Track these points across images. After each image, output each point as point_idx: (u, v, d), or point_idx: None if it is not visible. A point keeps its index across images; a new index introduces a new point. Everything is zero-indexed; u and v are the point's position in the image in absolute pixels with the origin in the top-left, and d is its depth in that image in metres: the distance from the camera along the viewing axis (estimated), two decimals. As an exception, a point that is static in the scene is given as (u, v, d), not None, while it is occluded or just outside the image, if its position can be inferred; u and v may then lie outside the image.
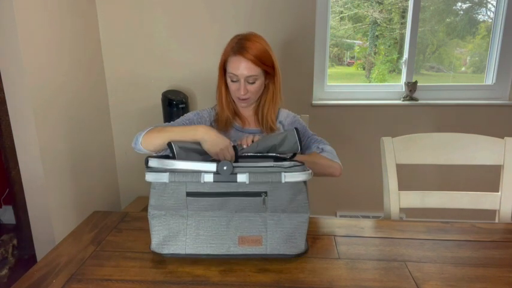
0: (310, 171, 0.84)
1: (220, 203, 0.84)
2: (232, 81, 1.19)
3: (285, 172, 0.80)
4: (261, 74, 1.18)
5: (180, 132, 0.99)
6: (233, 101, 1.26)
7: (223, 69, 1.22)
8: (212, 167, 0.80)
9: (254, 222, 0.85)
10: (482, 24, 2.32)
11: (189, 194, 0.83)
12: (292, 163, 0.82)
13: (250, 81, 1.16)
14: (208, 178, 0.80)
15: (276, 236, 0.85)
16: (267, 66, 1.17)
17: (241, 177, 0.80)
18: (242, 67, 1.14)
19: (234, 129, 1.26)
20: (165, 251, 0.87)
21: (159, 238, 0.87)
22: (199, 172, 0.80)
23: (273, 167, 0.81)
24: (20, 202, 1.83)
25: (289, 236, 0.86)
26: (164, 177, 0.80)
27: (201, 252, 0.86)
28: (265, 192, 0.82)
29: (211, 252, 0.86)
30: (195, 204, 0.84)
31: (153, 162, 0.82)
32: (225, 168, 0.79)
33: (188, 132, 0.98)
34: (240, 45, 1.15)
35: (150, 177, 0.82)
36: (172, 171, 0.81)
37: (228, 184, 0.82)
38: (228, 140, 0.97)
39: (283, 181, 0.80)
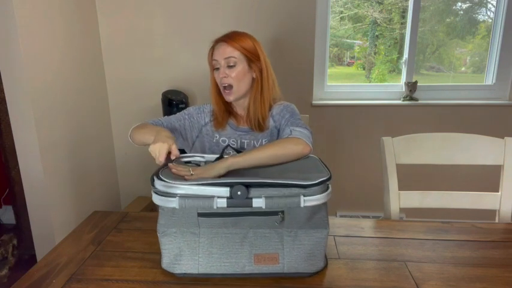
0: (330, 189, 0.79)
1: (234, 222, 0.80)
2: (215, 69, 1.21)
3: (304, 196, 0.75)
4: (241, 58, 1.18)
5: (148, 132, 1.06)
6: (224, 100, 1.26)
7: (212, 64, 1.24)
8: (225, 191, 0.75)
9: (270, 239, 0.81)
10: (482, 24, 2.32)
11: (200, 215, 0.79)
12: (310, 182, 0.76)
13: (230, 64, 1.17)
14: (221, 204, 0.75)
15: (294, 253, 0.81)
16: (248, 51, 1.19)
17: (257, 202, 0.74)
18: (222, 51, 1.18)
19: (229, 127, 1.27)
20: (177, 270, 0.83)
21: (170, 257, 0.83)
22: (211, 197, 0.75)
23: (291, 185, 0.76)
24: (20, 202, 1.83)
25: (308, 253, 0.81)
26: (173, 203, 0.75)
27: (215, 272, 0.81)
28: (282, 211, 0.78)
29: (226, 272, 0.81)
30: (207, 222, 0.80)
31: (159, 185, 0.78)
32: (239, 193, 0.74)
33: (150, 134, 1.03)
34: (224, 34, 1.22)
35: (157, 200, 0.77)
36: (183, 197, 0.75)
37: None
38: (165, 145, 0.91)
39: (302, 205, 0.75)
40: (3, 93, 1.66)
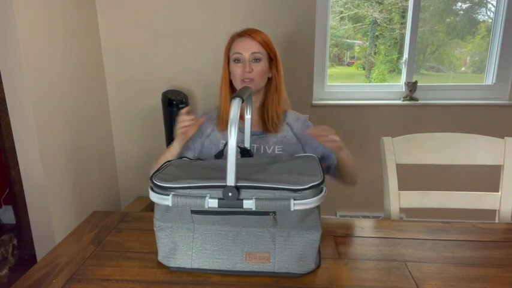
0: (324, 193, 0.78)
1: (228, 219, 0.81)
2: (236, 62, 1.20)
3: (294, 200, 0.74)
4: (265, 56, 1.20)
5: (166, 151, 1.23)
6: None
7: (227, 57, 1.23)
8: (217, 192, 0.76)
9: (262, 238, 0.82)
10: (482, 24, 2.32)
11: (194, 212, 0.80)
12: (301, 186, 0.76)
13: (255, 58, 1.18)
14: (213, 204, 0.76)
15: (285, 253, 0.82)
16: (270, 50, 1.22)
17: (248, 204, 0.75)
18: (247, 45, 1.18)
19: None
20: (172, 264, 0.85)
21: (165, 251, 0.85)
22: (203, 196, 0.77)
23: (282, 189, 0.76)
24: (20, 202, 1.83)
25: (299, 254, 0.82)
26: (167, 201, 0.78)
27: (207, 267, 0.83)
28: (274, 212, 0.78)
29: (217, 268, 0.83)
30: (200, 219, 0.82)
31: (156, 182, 0.80)
32: (230, 194, 0.75)
33: (170, 148, 1.23)
34: (245, 30, 1.22)
35: (153, 197, 0.80)
36: (176, 195, 0.77)
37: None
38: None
39: (292, 209, 0.74)
40: (3, 93, 1.66)
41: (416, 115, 2.25)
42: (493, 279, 0.82)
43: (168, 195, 0.78)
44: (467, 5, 2.31)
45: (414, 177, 1.88)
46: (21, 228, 1.90)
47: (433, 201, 1.28)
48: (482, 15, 2.32)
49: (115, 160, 2.44)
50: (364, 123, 2.28)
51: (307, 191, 0.76)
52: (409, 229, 1.05)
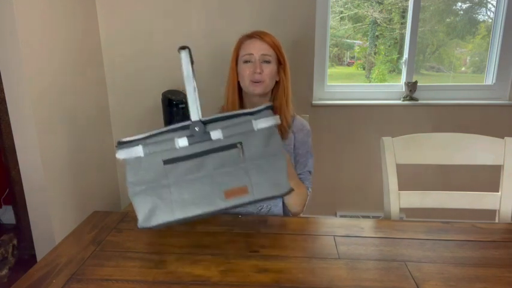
0: (278, 116, 0.86)
1: (199, 165, 0.83)
2: (245, 62, 1.19)
3: (254, 120, 0.83)
4: (274, 58, 1.20)
5: None
6: (241, 101, 1.26)
7: (235, 59, 1.23)
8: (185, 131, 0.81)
9: (236, 175, 0.85)
10: (482, 24, 2.32)
11: (166, 162, 0.82)
12: (256, 108, 0.85)
13: (265, 60, 1.18)
14: (183, 142, 0.80)
15: (261, 181, 0.85)
16: (280, 53, 1.22)
17: (215, 134, 0.81)
18: (258, 46, 1.18)
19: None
20: (153, 222, 0.85)
21: (145, 212, 0.85)
22: (172, 139, 0.81)
23: (242, 114, 0.83)
24: (20, 202, 1.83)
25: (273, 178, 0.86)
26: (138, 151, 0.81)
27: (190, 215, 0.84)
28: (240, 143, 0.83)
29: (201, 212, 0.84)
30: (174, 171, 0.83)
31: (123, 140, 0.85)
32: (196, 129, 0.80)
33: None
34: (255, 31, 1.22)
35: (122, 153, 0.82)
36: (146, 145, 0.81)
37: (203, 144, 0.83)
38: None
39: (255, 129, 0.82)
40: (3, 93, 1.65)
41: (416, 115, 2.25)
42: (493, 279, 0.82)
43: (138, 145, 0.81)
44: (467, 5, 2.31)
45: (414, 177, 1.88)
46: (21, 228, 1.90)
47: (433, 201, 1.28)
48: (482, 15, 2.32)
49: (115, 160, 2.44)
50: (364, 123, 2.28)
51: (264, 111, 0.84)
52: (409, 229, 1.05)
